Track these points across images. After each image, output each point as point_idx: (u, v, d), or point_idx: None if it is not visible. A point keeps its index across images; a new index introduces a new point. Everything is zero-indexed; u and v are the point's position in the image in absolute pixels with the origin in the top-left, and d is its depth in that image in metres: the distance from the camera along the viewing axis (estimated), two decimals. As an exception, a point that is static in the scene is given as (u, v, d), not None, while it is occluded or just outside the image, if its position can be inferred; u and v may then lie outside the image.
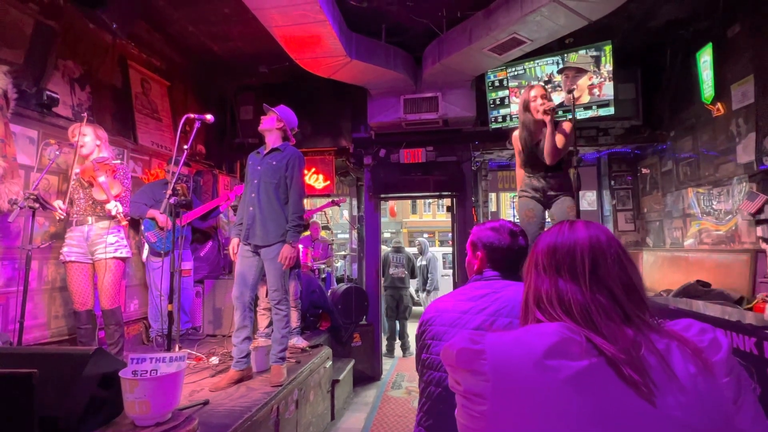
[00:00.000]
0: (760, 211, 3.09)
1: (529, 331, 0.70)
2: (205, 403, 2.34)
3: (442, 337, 1.34)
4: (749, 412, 0.62)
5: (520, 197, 2.89)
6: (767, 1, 3.06)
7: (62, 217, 2.71)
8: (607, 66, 4.06)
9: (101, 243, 2.82)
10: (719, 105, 3.59)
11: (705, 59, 3.70)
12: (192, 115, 2.67)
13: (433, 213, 19.13)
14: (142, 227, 3.60)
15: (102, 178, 2.76)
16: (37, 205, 2.57)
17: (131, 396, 1.68)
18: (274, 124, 2.83)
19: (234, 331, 2.74)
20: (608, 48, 4.03)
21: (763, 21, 3.10)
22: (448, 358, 0.71)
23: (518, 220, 2.92)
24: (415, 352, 1.48)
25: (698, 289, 3.42)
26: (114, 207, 2.75)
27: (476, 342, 0.69)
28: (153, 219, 3.55)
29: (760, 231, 3.12)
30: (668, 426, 0.59)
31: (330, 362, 3.69)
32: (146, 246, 3.65)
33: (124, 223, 2.82)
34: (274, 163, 2.79)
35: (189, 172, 4.04)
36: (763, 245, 3.13)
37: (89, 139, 2.84)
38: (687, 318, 0.71)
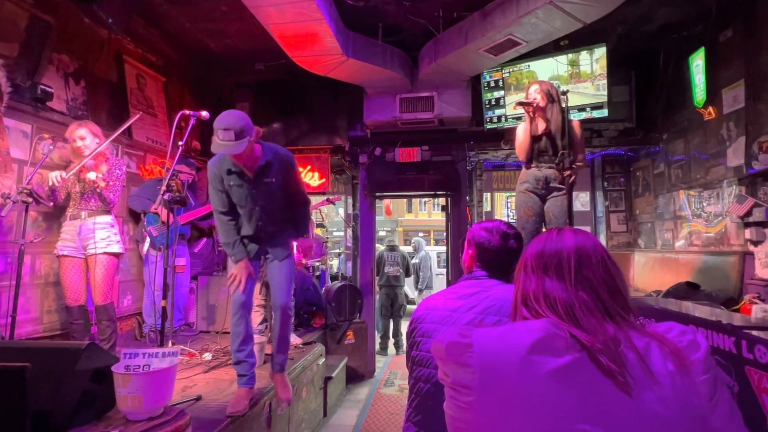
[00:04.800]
0: (748, 213, 3.14)
1: (516, 327, 0.72)
2: (198, 398, 2.35)
3: (432, 334, 1.36)
4: (724, 410, 0.65)
5: (518, 193, 2.88)
6: (759, 6, 3.11)
7: (56, 184, 2.71)
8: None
9: (93, 238, 2.82)
10: (711, 109, 3.64)
11: (697, 63, 3.75)
12: (187, 112, 2.67)
13: (429, 212, 19.17)
14: (145, 221, 3.65)
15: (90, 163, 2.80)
16: (30, 200, 2.57)
17: (124, 391, 1.69)
18: (247, 148, 2.12)
19: (238, 344, 2.35)
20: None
21: (755, 26, 3.15)
22: (438, 351, 0.74)
23: (515, 219, 2.93)
24: (405, 350, 1.51)
25: (687, 291, 3.47)
26: (93, 174, 2.74)
27: (465, 336, 0.71)
28: (157, 214, 3.58)
29: (748, 233, 3.17)
30: (647, 420, 0.62)
31: (323, 359, 3.71)
32: (147, 239, 3.69)
33: (103, 184, 2.78)
34: (273, 180, 2.31)
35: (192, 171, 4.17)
36: (751, 247, 3.18)
37: (89, 140, 2.84)
38: (670, 320, 0.74)
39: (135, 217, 3.90)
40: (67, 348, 1.75)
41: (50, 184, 2.72)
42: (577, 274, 0.73)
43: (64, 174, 2.72)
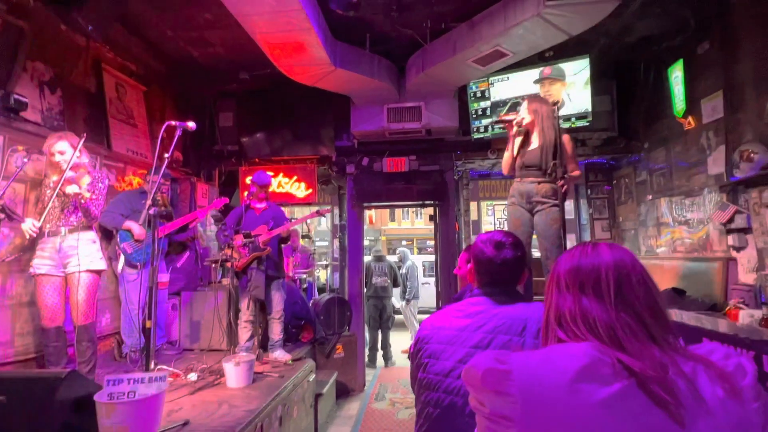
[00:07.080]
0: (730, 220, 3.22)
1: (557, 351, 0.68)
2: (186, 423, 2.22)
3: (440, 355, 1.30)
4: None
5: (508, 205, 2.87)
6: (735, 19, 3.22)
7: (34, 235, 2.58)
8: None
9: (74, 255, 2.67)
10: (690, 119, 3.74)
11: (676, 75, 3.86)
12: (173, 123, 2.56)
13: (412, 221, 19.18)
14: (117, 238, 3.42)
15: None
16: (2, 216, 2.43)
17: (107, 421, 1.57)
18: None
19: None
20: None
21: (731, 39, 3.26)
22: (473, 379, 0.69)
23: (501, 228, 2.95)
24: (410, 371, 1.44)
25: (674, 297, 3.52)
26: (76, 188, 2.63)
27: (503, 362, 0.66)
28: (129, 231, 3.39)
29: (731, 240, 3.25)
30: None
31: (313, 375, 3.60)
32: (121, 257, 3.46)
33: (88, 195, 2.67)
34: None
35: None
36: (734, 253, 3.26)
37: (69, 155, 2.68)
38: (711, 342, 0.71)
39: (107, 234, 3.53)
40: (46, 377, 1.62)
41: (28, 237, 2.62)
42: (617, 293, 0.69)
43: (37, 223, 2.60)
